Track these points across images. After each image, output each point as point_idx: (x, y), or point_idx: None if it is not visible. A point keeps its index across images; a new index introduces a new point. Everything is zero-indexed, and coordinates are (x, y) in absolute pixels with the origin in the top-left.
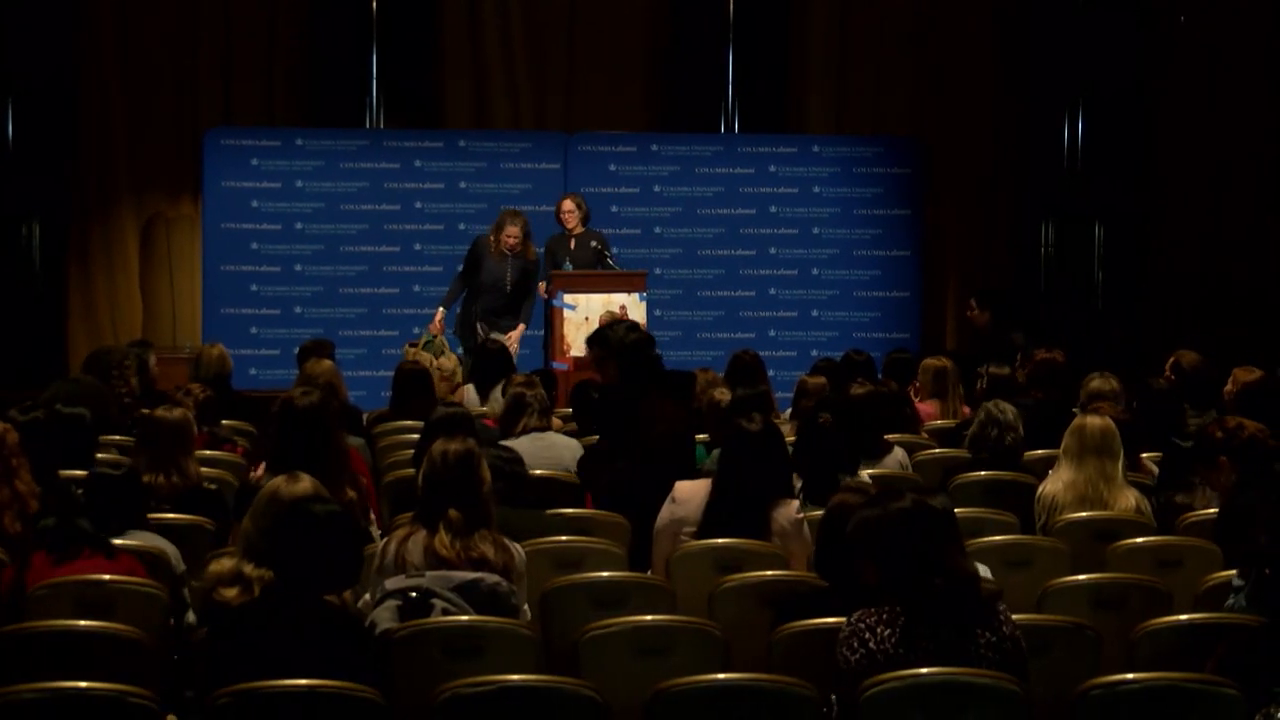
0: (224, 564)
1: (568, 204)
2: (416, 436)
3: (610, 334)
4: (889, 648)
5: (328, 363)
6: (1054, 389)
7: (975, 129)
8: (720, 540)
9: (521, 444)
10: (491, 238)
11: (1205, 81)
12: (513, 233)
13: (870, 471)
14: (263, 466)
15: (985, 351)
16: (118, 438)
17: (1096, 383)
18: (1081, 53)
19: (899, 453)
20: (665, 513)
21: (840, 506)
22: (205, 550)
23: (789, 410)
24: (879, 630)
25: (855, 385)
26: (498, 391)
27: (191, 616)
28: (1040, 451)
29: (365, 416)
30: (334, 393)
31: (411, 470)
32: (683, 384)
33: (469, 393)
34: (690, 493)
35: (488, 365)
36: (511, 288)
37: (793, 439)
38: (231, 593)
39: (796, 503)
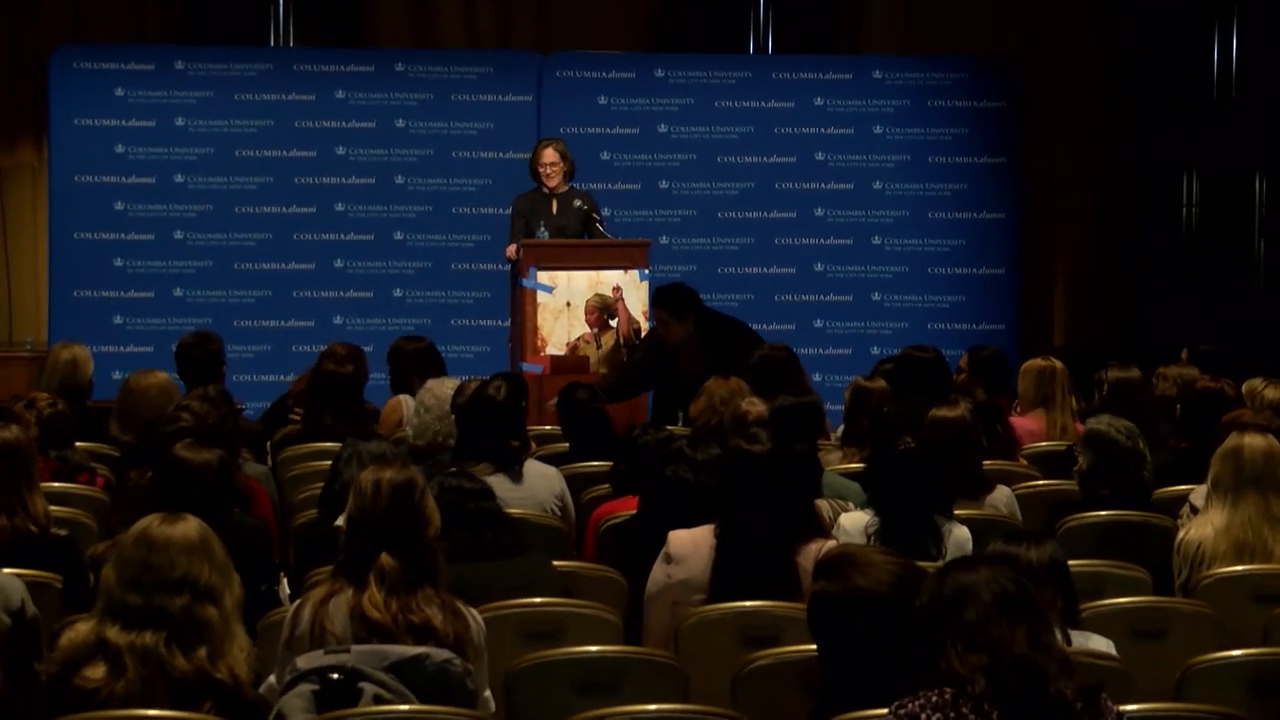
0: (79, 630)
1: (549, 154)
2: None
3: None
4: None
5: (161, 375)
6: (1199, 428)
7: (1090, 48)
8: (748, 603)
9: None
10: None
11: None
12: None
13: (966, 513)
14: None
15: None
16: None
17: (1266, 391)
18: None
19: (1003, 493)
20: (659, 574)
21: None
22: (55, 617)
23: (840, 428)
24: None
25: (946, 407)
26: (415, 404)
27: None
28: (1177, 487)
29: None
30: (226, 407)
31: None
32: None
33: (406, 405)
34: (690, 546)
35: (404, 367)
36: None
37: (854, 465)
38: (97, 673)
39: (833, 544)
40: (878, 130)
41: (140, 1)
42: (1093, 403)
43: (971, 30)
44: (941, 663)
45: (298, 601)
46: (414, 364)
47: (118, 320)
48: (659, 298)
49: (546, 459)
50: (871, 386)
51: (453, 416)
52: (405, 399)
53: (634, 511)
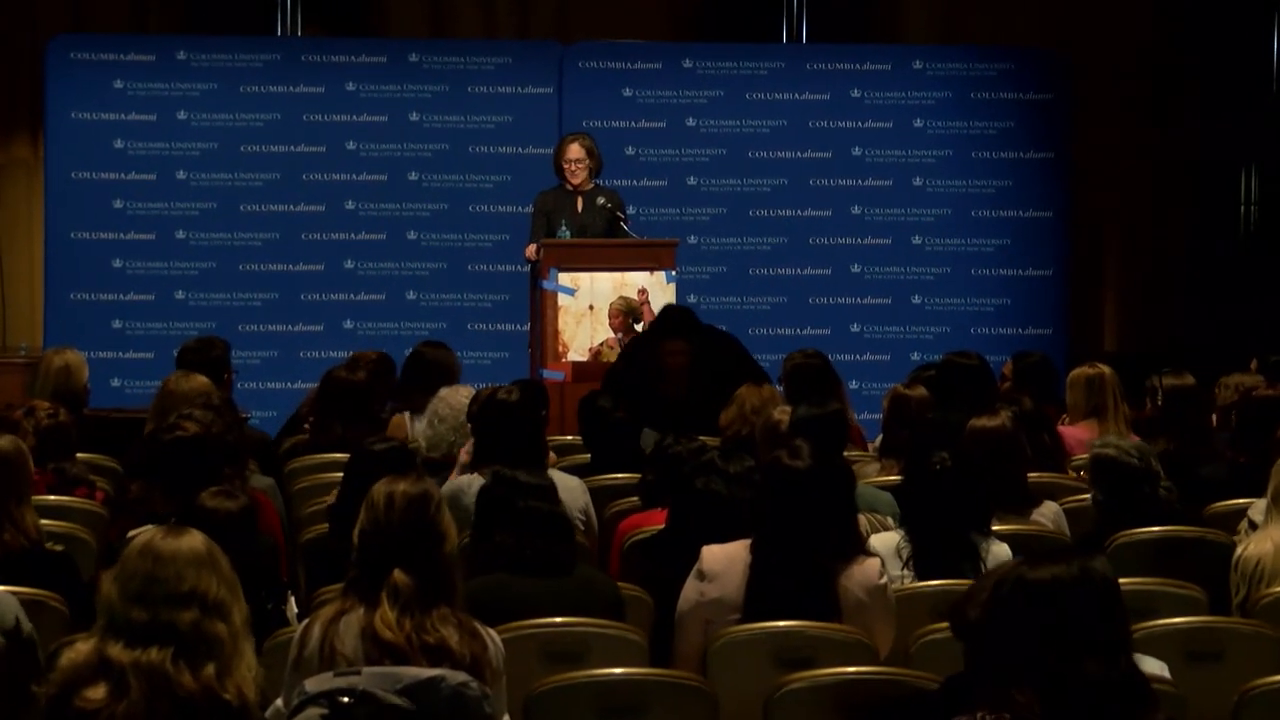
0: (79, 650)
1: (575, 150)
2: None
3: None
4: None
5: (201, 378)
6: (1256, 439)
7: (1142, 36)
8: (780, 623)
9: None
10: None
11: None
12: None
13: (1009, 528)
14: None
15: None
16: None
17: None
18: None
19: (1050, 508)
20: (691, 592)
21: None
22: (53, 636)
23: (879, 438)
24: None
25: (985, 417)
26: (428, 415)
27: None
28: (1233, 501)
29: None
30: (232, 415)
31: None
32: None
33: (410, 425)
34: (725, 563)
35: (417, 376)
36: None
37: (892, 478)
38: (98, 694)
39: (876, 562)
40: (918, 124)
41: None
42: (1144, 411)
43: (1016, 18)
44: (995, 685)
45: (306, 620)
46: (415, 375)
47: (117, 324)
48: (683, 329)
49: (568, 470)
50: (911, 394)
51: (468, 426)
52: (408, 417)
53: (661, 526)
